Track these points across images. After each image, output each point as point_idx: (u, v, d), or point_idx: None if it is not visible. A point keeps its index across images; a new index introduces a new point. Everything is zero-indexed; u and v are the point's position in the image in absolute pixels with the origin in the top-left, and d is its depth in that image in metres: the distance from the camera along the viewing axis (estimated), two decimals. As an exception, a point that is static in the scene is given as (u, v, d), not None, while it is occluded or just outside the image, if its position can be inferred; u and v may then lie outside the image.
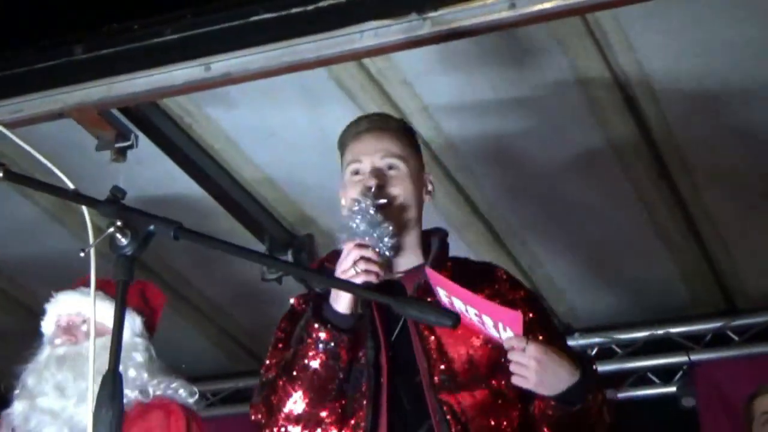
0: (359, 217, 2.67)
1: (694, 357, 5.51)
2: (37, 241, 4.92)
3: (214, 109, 4.16)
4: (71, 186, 2.00)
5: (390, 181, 2.84)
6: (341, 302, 2.63)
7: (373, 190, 2.76)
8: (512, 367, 2.58)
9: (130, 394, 3.54)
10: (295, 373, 2.64)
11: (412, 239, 2.89)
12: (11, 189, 4.46)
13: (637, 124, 4.17)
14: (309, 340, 2.61)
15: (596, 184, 4.54)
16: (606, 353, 5.62)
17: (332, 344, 2.60)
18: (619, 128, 4.19)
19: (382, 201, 2.75)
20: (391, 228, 2.65)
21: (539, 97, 4.03)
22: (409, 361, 2.70)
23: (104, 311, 3.59)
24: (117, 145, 3.95)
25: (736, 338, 5.49)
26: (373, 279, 2.60)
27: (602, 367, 5.36)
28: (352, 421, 2.66)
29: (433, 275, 2.65)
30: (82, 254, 1.92)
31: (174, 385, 3.67)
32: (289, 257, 4.84)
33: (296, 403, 2.65)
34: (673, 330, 5.55)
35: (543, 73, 3.91)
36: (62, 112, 3.76)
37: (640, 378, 5.65)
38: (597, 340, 5.63)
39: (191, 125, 4.23)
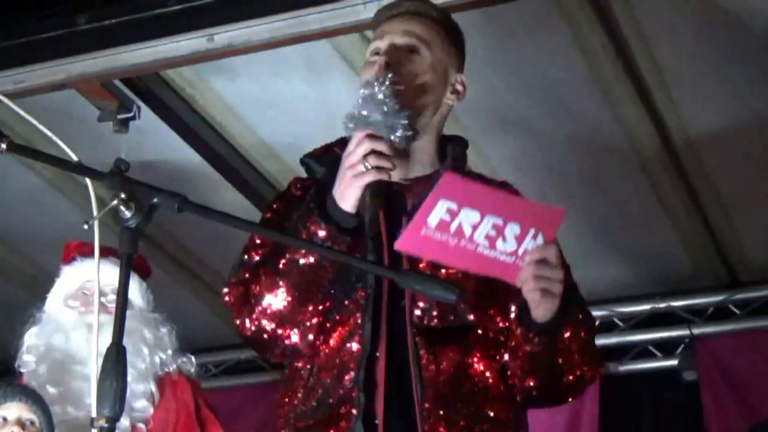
0: (371, 103, 2.33)
1: (695, 330, 5.51)
2: (39, 212, 4.92)
3: (217, 80, 4.15)
4: (75, 158, 2.00)
5: (406, 63, 2.53)
6: (347, 199, 2.33)
7: (384, 69, 2.45)
8: (536, 281, 2.31)
9: (167, 368, 3.59)
10: (281, 266, 2.37)
11: (424, 142, 2.56)
12: (14, 160, 4.45)
13: (640, 97, 4.16)
14: (304, 234, 2.34)
15: (601, 158, 4.54)
16: (608, 326, 5.63)
17: (329, 243, 2.32)
18: (623, 102, 4.18)
19: (400, 87, 2.40)
20: (407, 120, 2.34)
21: (544, 70, 4.02)
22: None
23: (131, 283, 3.65)
24: (119, 117, 3.95)
25: (738, 312, 5.49)
26: (384, 177, 2.32)
27: (604, 341, 5.38)
28: (340, 329, 2.43)
29: (448, 181, 2.27)
30: (86, 226, 1.92)
31: (178, 357, 3.70)
32: (291, 229, 4.83)
33: (276, 297, 2.38)
34: (675, 303, 5.55)
35: (548, 47, 3.89)
36: (65, 82, 3.75)
37: (642, 351, 5.66)
38: (599, 313, 5.62)
39: (194, 96, 4.22)
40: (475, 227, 2.28)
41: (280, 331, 2.43)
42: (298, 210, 2.43)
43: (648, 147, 4.45)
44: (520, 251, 2.31)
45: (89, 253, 3.69)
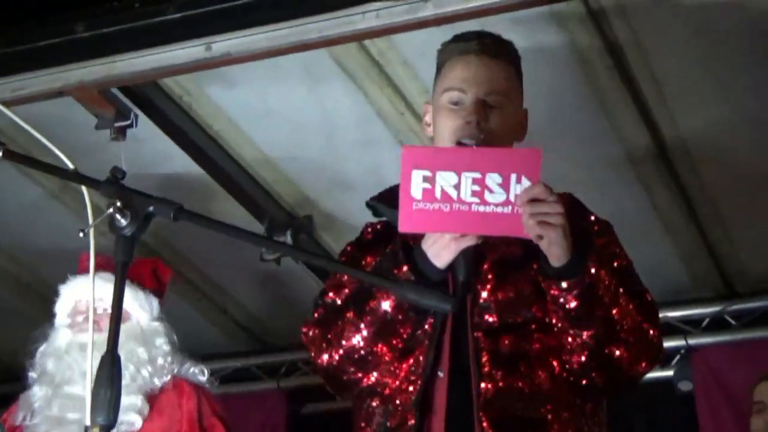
0: None
1: (691, 341, 5.52)
2: (38, 221, 4.92)
3: (215, 89, 4.15)
4: (71, 166, 2.00)
5: (493, 119, 2.58)
6: (443, 258, 2.43)
7: (476, 131, 2.53)
8: (534, 219, 2.33)
9: (158, 381, 3.58)
10: (368, 309, 2.48)
11: None
12: (12, 168, 4.46)
13: (637, 107, 4.17)
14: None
15: (596, 167, 4.54)
16: (604, 336, 5.62)
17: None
18: (620, 111, 4.19)
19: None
20: None
21: (540, 78, 4.02)
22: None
23: (125, 296, 3.65)
24: (116, 125, 3.95)
25: (734, 323, 5.49)
26: (479, 241, 2.42)
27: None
28: (411, 360, 2.51)
29: (410, 152, 2.37)
30: (81, 234, 1.93)
31: (186, 364, 3.70)
32: (288, 238, 4.84)
33: (359, 339, 2.49)
34: (672, 314, 5.55)
35: (543, 54, 3.90)
36: (62, 90, 3.75)
37: (638, 361, 5.65)
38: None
39: (191, 105, 4.23)
40: (457, 187, 2.32)
41: (360, 374, 2.56)
42: (383, 258, 2.55)
43: (645, 157, 4.45)
44: (512, 198, 2.34)
45: (83, 270, 3.71)
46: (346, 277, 2.63)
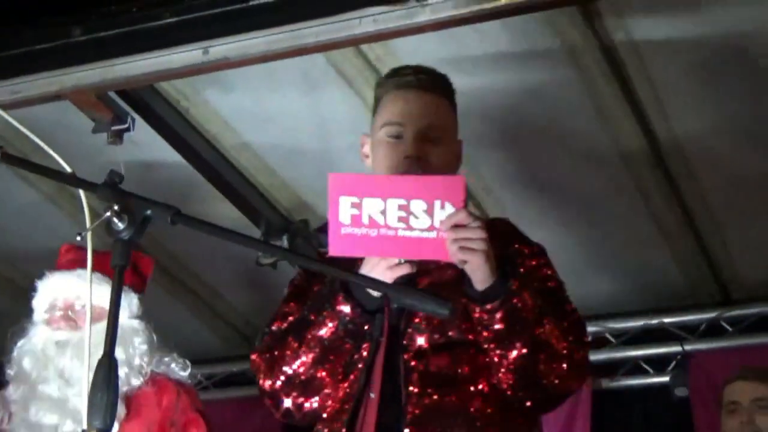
0: None
1: (687, 347, 5.53)
2: (35, 225, 4.91)
3: (212, 93, 4.15)
4: (68, 169, 2.00)
5: (432, 153, 2.66)
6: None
7: (415, 166, 2.60)
8: (456, 244, 2.38)
9: (135, 381, 3.53)
10: (308, 336, 2.57)
11: None
12: (9, 172, 4.45)
13: (634, 114, 4.17)
14: (327, 312, 2.54)
15: (594, 174, 4.54)
16: (600, 342, 5.63)
17: (353, 324, 2.53)
18: (617, 118, 4.19)
19: None
20: None
21: (539, 86, 4.03)
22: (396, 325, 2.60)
23: (102, 294, 3.61)
24: (113, 128, 3.94)
25: (730, 329, 5.50)
26: (414, 269, 2.49)
27: (596, 356, 5.38)
28: (347, 383, 2.60)
29: (337, 179, 2.44)
30: (78, 238, 1.92)
31: (166, 359, 3.65)
32: (285, 243, 4.84)
33: (301, 365, 2.59)
34: (667, 320, 5.56)
35: (543, 62, 3.90)
36: (59, 94, 3.74)
37: (634, 367, 5.66)
38: (591, 328, 5.59)
39: (188, 109, 4.22)
40: (383, 212, 2.39)
41: (301, 399, 2.63)
42: (324, 286, 2.64)
43: (642, 164, 4.46)
44: (436, 224, 2.39)
45: (61, 266, 3.68)
46: (291, 306, 2.73)
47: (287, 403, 2.64)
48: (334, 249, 2.45)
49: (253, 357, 2.70)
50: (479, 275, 2.44)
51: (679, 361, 5.56)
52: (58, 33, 3.68)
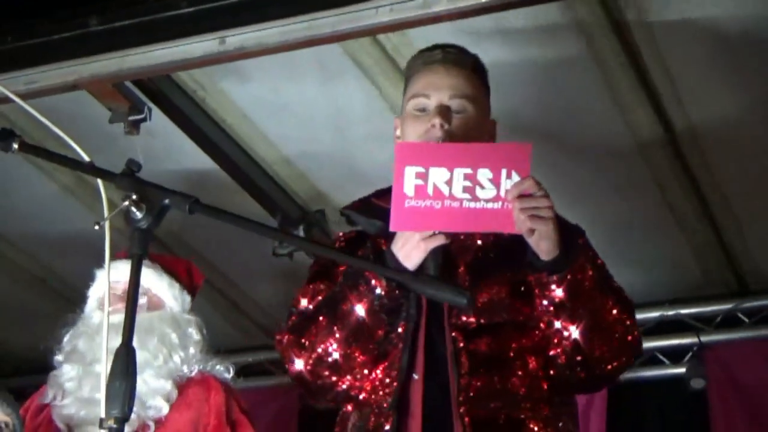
0: None
1: (704, 338, 5.51)
2: (54, 217, 4.92)
3: (228, 83, 4.15)
4: (87, 159, 2.00)
5: (456, 123, 2.62)
6: (413, 259, 2.45)
7: (438, 133, 2.57)
8: (525, 214, 2.35)
9: (187, 370, 3.59)
10: (340, 314, 2.53)
11: None
12: (27, 164, 4.47)
13: (651, 105, 4.15)
14: (362, 287, 2.49)
15: (611, 165, 4.53)
16: (616, 333, 5.61)
17: (387, 300, 2.48)
18: (634, 109, 4.17)
19: None
20: None
21: (556, 76, 4.01)
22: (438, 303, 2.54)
23: (161, 285, 3.69)
24: (130, 118, 3.95)
25: (746, 320, 5.48)
26: (448, 240, 2.45)
27: (612, 347, 5.36)
28: (385, 363, 2.56)
29: (403, 149, 2.42)
30: (96, 227, 1.93)
31: (212, 361, 3.71)
32: (301, 233, 4.84)
33: (332, 344, 2.54)
34: (684, 311, 5.54)
35: (560, 52, 3.89)
36: (76, 84, 3.75)
37: (650, 359, 5.64)
38: (607, 319, 5.62)
39: (205, 99, 4.23)
40: (449, 183, 2.35)
41: (334, 378, 2.59)
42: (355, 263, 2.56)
43: (659, 155, 4.44)
44: (502, 193, 2.36)
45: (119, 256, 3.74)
46: (318, 284, 2.70)
47: (318, 383, 2.60)
48: (396, 224, 2.40)
49: (280, 337, 2.66)
50: (546, 245, 2.41)
51: (695, 353, 5.54)
52: (74, 23, 3.69)
